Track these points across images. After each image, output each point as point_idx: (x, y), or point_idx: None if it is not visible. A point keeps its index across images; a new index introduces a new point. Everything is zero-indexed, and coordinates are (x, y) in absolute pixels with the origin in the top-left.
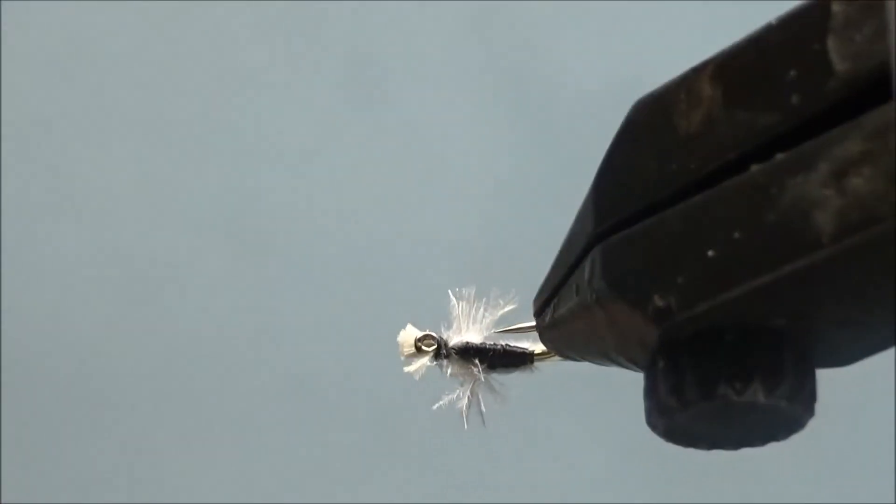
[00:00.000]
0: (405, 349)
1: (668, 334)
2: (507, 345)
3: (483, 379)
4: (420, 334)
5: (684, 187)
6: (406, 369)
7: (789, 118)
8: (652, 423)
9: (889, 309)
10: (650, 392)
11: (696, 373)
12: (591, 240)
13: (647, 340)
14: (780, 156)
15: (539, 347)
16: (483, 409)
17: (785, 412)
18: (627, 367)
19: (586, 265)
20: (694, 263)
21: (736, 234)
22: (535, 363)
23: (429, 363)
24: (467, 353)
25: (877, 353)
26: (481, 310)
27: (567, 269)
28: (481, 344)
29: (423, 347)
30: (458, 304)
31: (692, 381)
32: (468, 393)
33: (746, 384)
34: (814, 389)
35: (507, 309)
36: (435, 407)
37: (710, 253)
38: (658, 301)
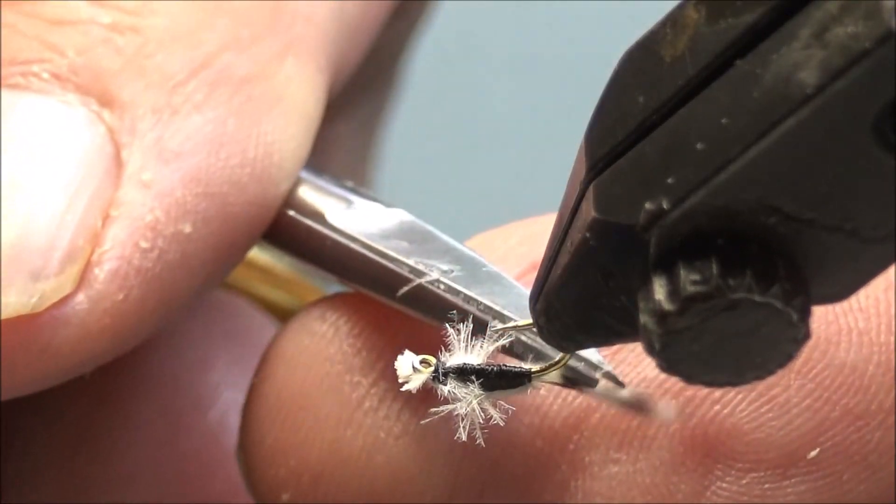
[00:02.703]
0: (403, 373)
1: (661, 242)
2: (504, 364)
3: (480, 400)
4: (417, 358)
5: (673, 106)
6: (404, 388)
7: (772, 8)
8: (649, 343)
9: (873, 214)
10: (647, 305)
11: (691, 273)
12: (583, 186)
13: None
14: (763, 44)
15: (537, 366)
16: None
17: (781, 314)
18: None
19: (578, 216)
20: (684, 161)
21: (724, 121)
22: (534, 381)
23: (427, 383)
24: (464, 373)
25: (869, 279)
26: (479, 338)
27: (560, 237)
28: (478, 365)
29: (421, 370)
30: (455, 330)
31: (687, 281)
32: (465, 414)
33: (740, 280)
34: (807, 305)
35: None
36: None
37: (699, 146)
38: (649, 206)
